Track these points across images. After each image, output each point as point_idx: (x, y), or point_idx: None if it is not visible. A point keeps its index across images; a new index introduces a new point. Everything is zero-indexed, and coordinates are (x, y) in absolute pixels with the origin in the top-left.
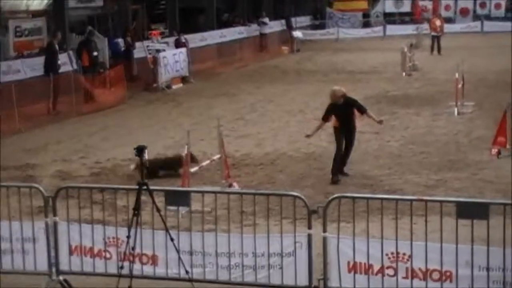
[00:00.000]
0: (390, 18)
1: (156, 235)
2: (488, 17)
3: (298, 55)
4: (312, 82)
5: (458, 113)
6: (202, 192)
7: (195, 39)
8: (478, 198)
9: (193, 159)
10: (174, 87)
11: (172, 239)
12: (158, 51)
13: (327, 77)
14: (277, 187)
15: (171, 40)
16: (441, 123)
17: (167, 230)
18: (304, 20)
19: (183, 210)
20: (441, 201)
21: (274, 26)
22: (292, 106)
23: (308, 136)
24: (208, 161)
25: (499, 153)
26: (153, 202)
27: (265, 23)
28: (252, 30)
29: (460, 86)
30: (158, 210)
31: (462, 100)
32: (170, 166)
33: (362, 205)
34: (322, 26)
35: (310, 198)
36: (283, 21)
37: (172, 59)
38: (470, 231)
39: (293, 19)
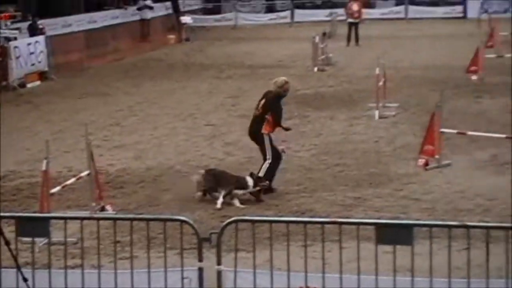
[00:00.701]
0: (299, 1)
1: (5, 274)
2: (412, 1)
3: (187, 46)
4: (205, 79)
5: (380, 117)
6: (65, 218)
7: (56, 25)
8: (401, 219)
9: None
10: (29, 85)
11: (25, 280)
12: (7, 39)
13: (222, 73)
14: (161, 210)
15: (24, 25)
16: (359, 129)
17: (18, 268)
18: (195, 2)
19: (40, 241)
20: (358, 224)
21: (158, 10)
22: (179, 109)
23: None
24: (74, 179)
25: (426, 164)
26: (0, 232)
27: (148, 7)
28: (129, 14)
29: (381, 84)
30: (7, 242)
31: (384, 101)
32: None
33: (265, 230)
34: (216, 10)
35: (201, 223)
36: (168, 4)
37: (26, 50)
38: (392, 259)
39: (180, 2)
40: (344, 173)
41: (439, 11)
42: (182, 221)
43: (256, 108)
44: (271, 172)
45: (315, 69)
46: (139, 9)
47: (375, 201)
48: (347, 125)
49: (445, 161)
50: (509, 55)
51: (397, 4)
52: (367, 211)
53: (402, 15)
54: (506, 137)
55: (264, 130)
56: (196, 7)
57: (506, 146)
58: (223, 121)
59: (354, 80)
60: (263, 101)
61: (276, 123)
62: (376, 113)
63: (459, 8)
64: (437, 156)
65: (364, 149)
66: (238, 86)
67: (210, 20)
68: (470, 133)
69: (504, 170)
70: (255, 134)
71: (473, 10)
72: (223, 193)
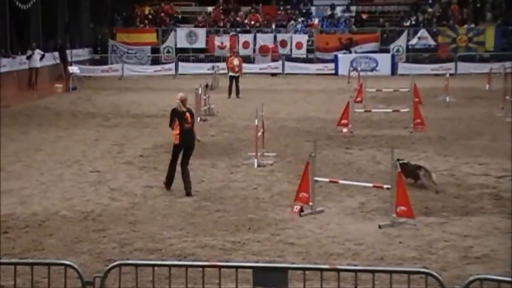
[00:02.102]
0: (183, 55)
1: None
2: (289, 58)
3: (75, 94)
4: (91, 127)
5: (258, 165)
6: None
7: None
8: (277, 262)
9: None
10: None
11: None
12: None
13: (108, 121)
14: (46, 255)
15: None
16: (239, 176)
17: None
18: (82, 53)
19: None
20: (236, 267)
21: (45, 60)
22: (66, 155)
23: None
24: None
25: (301, 210)
26: None
27: (38, 55)
28: (17, 63)
29: (260, 134)
30: None
31: (262, 150)
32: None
33: (148, 274)
34: (104, 61)
35: (86, 266)
36: (56, 54)
37: None
38: None
39: (68, 52)
40: (225, 219)
41: (313, 67)
42: (66, 265)
43: (186, 122)
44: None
45: (198, 119)
46: (28, 57)
47: (253, 245)
48: (227, 172)
49: (318, 207)
50: (375, 110)
51: (274, 60)
52: (245, 255)
53: (279, 70)
54: (373, 186)
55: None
56: (83, 57)
57: (373, 194)
58: (109, 168)
59: (235, 130)
60: (188, 114)
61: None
62: (255, 161)
63: (331, 65)
64: (311, 203)
65: (243, 195)
66: (123, 134)
67: (97, 70)
68: (341, 181)
69: (371, 217)
70: (193, 145)
71: (343, 67)
72: None
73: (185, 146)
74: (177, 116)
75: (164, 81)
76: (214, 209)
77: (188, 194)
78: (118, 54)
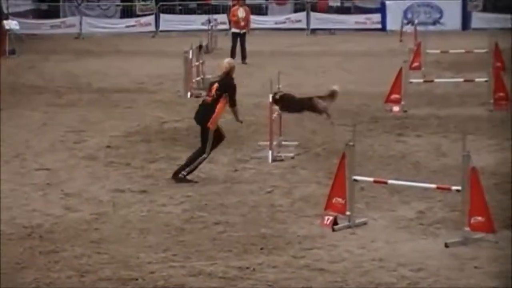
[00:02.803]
0: (166, 3)
1: None
2: (316, 6)
3: (12, 61)
4: (37, 107)
5: (274, 159)
6: None
7: None
8: None
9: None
10: None
11: None
12: None
13: (62, 98)
14: None
15: None
16: (247, 176)
17: None
18: (24, 2)
19: None
20: None
21: None
22: (3, 146)
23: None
24: None
25: (334, 223)
26: None
27: None
28: None
29: (276, 115)
30: None
31: (279, 138)
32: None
33: None
34: (54, 13)
35: None
36: None
37: None
38: None
39: (3, 1)
40: (227, 235)
41: (350, 20)
42: None
43: (207, 95)
44: (197, 166)
45: (189, 94)
46: None
47: (267, 272)
48: (231, 170)
49: (359, 218)
50: (439, 80)
51: (296, 11)
52: (257, 285)
53: (303, 25)
54: (437, 188)
55: (210, 125)
56: (24, 8)
57: (436, 200)
58: (63, 164)
59: (240, 110)
60: (215, 86)
61: (231, 106)
62: (269, 154)
63: (376, 17)
64: (348, 213)
65: (253, 202)
66: (83, 117)
67: (44, 26)
68: (391, 181)
69: (434, 231)
70: (205, 122)
71: (394, 20)
72: None
73: (198, 123)
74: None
75: (140, 41)
76: (213, 221)
77: (174, 176)
78: (74, 3)
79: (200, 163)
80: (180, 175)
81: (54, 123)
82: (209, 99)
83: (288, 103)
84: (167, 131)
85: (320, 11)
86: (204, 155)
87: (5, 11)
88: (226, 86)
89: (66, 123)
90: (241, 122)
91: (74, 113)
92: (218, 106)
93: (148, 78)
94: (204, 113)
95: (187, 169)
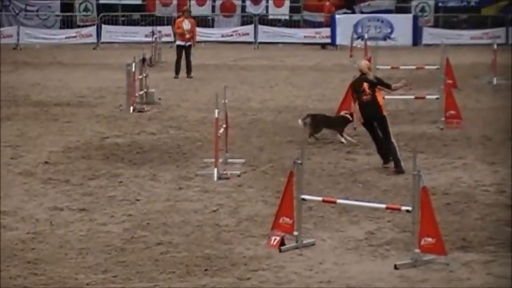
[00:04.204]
0: (108, 14)
1: None
2: (264, 19)
3: None
4: None
5: (220, 177)
6: None
7: None
8: None
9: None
10: None
11: None
12: None
13: None
14: None
15: None
16: (191, 194)
17: None
18: None
19: None
20: None
21: None
22: None
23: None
24: None
25: (282, 243)
26: None
27: None
28: None
29: (222, 131)
30: None
31: (225, 155)
32: (335, 125)
33: None
34: None
35: None
36: None
37: None
38: None
39: None
40: (170, 256)
41: (300, 34)
42: None
43: (364, 94)
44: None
45: (131, 109)
46: None
47: None
48: (174, 187)
49: (307, 239)
50: (390, 97)
51: (243, 23)
52: None
53: (250, 38)
54: (387, 208)
55: (385, 112)
56: None
57: (386, 220)
58: None
59: (185, 125)
60: (365, 85)
61: (390, 88)
62: (215, 171)
63: (325, 31)
64: (296, 233)
65: (197, 221)
66: (20, 131)
67: None
68: (340, 201)
69: (384, 252)
70: (379, 117)
71: (344, 34)
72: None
73: (371, 118)
74: (354, 87)
75: (81, 53)
76: (155, 241)
77: (400, 171)
78: (12, 12)
79: (396, 149)
80: (400, 169)
81: None
82: (368, 97)
83: (320, 122)
84: (108, 147)
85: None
86: (393, 141)
87: None
88: (375, 80)
89: (2, 137)
90: (409, 84)
91: (10, 128)
92: (379, 98)
93: (89, 91)
94: (373, 108)
95: (398, 163)
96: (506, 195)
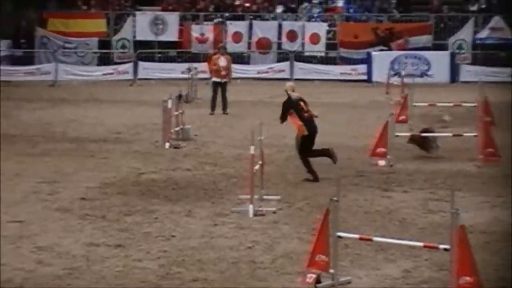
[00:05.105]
0: (144, 51)
1: None
2: (300, 56)
3: None
4: (9, 156)
5: (255, 214)
6: None
7: None
8: None
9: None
10: None
11: None
12: None
13: (35, 148)
14: None
15: None
16: (226, 230)
17: None
18: None
19: None
20: None
21: None
22: None
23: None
24: None
25: (317, 280)
26: None
27: None
28: None
29: (257, 168)
30: None
31: (261, 192)
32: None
33: None
34: (28, 60)
35: None
36: None
37: None
38: None
39: None
40: None
41: (335, 70)
42: None
43: (303, 111)
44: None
45: (167, 145)
46: None
47: None
48: (209, 224)
49: (343, 277)
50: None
51: (279, 60)
52: None
53: (286, 75)
54: (424, 246)
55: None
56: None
57: (423, 258)
58: (35, 216)
59: (221, 161)
60: (301, 103)
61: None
62: (250, 208)
63: (361, 68)
64: (331, 270)
65: (233, 258)
66: (57, 167)
67: (19, 72)
68: (376, 239)
69: None
70: (316, 132)
71: (380, 71)
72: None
73: (314, 133)
74: (292, 106)
75: (118, 90)
76: (190, 278)
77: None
78: (50, 49)
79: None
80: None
81: (27, 174)
82: (307, 114)
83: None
84: (144, 183)
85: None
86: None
87: None
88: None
89: (39, 173)
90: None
91: (48, 163)
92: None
93: (125, 128)
94: (313, 123)
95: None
96: None
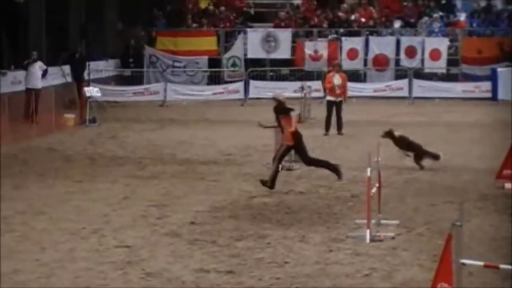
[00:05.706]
0: (256, 70)
1: None
2: (419, 73)
3: (93, 130)
4: (117, 179)
5: (372, 239)
6: None
7: None
8: None
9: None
10: None
11: None
12: None
13: (144, 170)
14: None
15: None
16: (342, 256)
17: None
18: (105, 66)
19: None
20: None
21: (50, 77)
22: (79, 222)
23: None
24: None
25: None
26: None
27: (40, 70)
28: (8, 81)
29: (374, 191)
30: None
31: (378, 216)
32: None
33: None
34: (137, 79)
35: None
36: (67, 68)
37: None
38: None
39: (86, 64)
40: None
41: (457, 88)
42: None
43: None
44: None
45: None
46: (25, 67)
47: None
48: (324, 250)
49: None
50: None
51: (397, 77)
52: None
53: (404, 93)
54: None
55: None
56: (107, 74)
57: None
58: (144, 241)
59: (335, 184)
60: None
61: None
62: (367, 233)
63: (486, 85)
64: None
65: (349, 285)
66: (166, 190)
67: (127, 93)
68: (503, 266)
69: None
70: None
71: (506, 88)
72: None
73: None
74: (285, 113)
75: (228, 110)
76: None
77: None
78: (159, 69)
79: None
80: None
81: (135, 197)
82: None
83: (403, 143)
84: (256, 207)
85: None
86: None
87: (86, 77)
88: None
89: (148, 196)
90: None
91: (157, 186)
92: None
93: (236, 149)
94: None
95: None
96: None
